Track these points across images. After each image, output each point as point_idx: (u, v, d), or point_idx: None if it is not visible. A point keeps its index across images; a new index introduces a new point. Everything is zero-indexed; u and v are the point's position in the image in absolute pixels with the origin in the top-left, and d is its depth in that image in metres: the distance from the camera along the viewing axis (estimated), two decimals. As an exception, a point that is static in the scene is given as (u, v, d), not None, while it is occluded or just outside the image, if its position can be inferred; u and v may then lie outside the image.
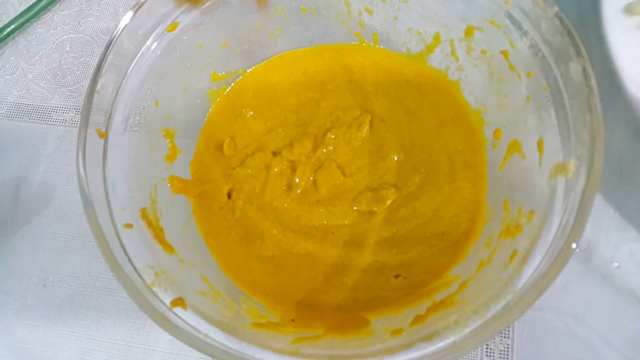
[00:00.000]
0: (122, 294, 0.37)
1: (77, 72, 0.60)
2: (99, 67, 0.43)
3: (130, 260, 0.39)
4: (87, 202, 0.39)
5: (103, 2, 0.62)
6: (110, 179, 0.42)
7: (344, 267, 0.46)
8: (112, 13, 0.61)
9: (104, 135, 0.42)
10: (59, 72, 0.60)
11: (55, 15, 0.63)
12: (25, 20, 0.62)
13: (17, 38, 0.63)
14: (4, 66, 0.61)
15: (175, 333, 0.35)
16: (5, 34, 0.61)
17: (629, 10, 0.49)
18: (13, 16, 0.62)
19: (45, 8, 0.62)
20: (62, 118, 0.58)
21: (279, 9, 0.52)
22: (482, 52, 0.47)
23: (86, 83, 0.58)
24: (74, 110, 0.58)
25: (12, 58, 0.62)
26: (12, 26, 0.61)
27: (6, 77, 0.60)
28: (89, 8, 0.62)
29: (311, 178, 0.49)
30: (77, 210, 0.53)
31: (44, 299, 0.51)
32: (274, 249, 0.48)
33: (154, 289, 0.38)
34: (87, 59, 0.60)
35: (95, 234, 0.38)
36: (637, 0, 0.50)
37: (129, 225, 0.41)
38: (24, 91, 0.59)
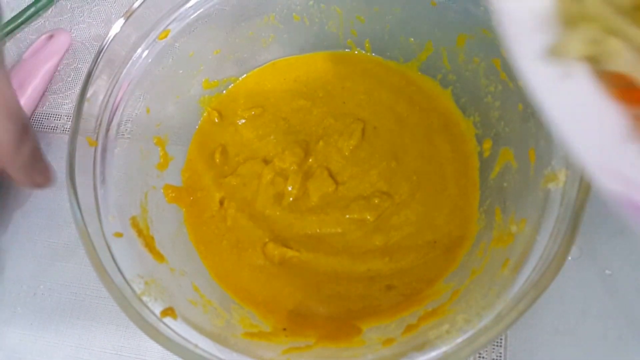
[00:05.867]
0: (112, 303, 0.36)
1: (68, 79, 0.59)
2: (89, 74, 0.42)
3: (119, 270, 0.38)
4: (76, 211, 0.38)
5: (95, 9, 0.61)
6: (100, 187, 0.41)
7: (336, 275, 0.46)
8: (104, 20, 0.61)
9: (94, 143, 0.42)
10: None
11: (47, 22, 0.62)
12: (15, 26, 0.61)
13: (8, 44, 0.62)
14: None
15: (165, 343, 0.35)
16: None
17: (554, 52, 0.34)
18: (4, 22, 0.61)
19: (36, 14, 0.61)
20: (52, 125, 0.58)
21: (271, 17, 0.52)
22: (474, 60, 0.47)
23: (77, 90, 0.57)
24: (65, 117, 0.58)
25: (3, 65, 0.61)
26: (3, 32, 0.61)
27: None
28: (80, 15, 0.62)
29: (303, 186, 0.49)
30: (67, 218, 0.53)
31: (34, 308, 0.50)
32: (265, 257, 0.47)
33: (144, 298, 0.37)
34: (79, 65, 0.60)
35: (84, 243, 0.37)
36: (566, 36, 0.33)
37: (119, 234, 0.40)
38: (14, 98, 0.59)
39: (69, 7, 0.62)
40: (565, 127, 0.32)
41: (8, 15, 0.62)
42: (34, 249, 0.53)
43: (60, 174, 0.55)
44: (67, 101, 0.59)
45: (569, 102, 0.33)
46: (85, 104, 0.42)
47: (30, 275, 0.51)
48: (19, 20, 0.61)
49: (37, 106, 0.58)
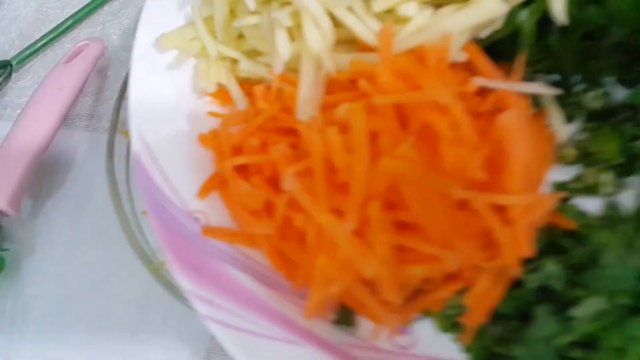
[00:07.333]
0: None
1: (99, 84, 0.67)
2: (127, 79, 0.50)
3: (147, 241, 0.45)
4: (113, 190, 0.46)
5: (125, 22, 0.70)
6: (131, 173, 0.49)
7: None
8: (133, 32, 0.68)
9: (128, 136, 0.49)
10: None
11: (82, 32, 0.71)
12: (53, 36, 0.70)
13: (46, 52, 0.71)
14: (33, 77, 0.68)
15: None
16: (37, 48, 0.69)
17: (160, 43, 0.51)
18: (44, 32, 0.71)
19: (72, 26, 0.70)
20: (84, 124, 0.65)
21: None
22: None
23: (107, 93, 0.66)
24: (96, 118, 0.65)
25: (41, 70, 0.69)
26: (43, 42, 0.70)
27: (35, 86, 0.67)
28: (112, 27, 0.71)
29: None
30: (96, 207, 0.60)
31: (60, 284, 0.57)
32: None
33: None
34: (109, 73, 0.68)
35: (119, 216, 0.45)
36: (177, 30, 0.50)
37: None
38: (51, 99, 0.66)
39: (101, 21, 0.71)
40: (135, 109, 0.47)
41: (47, 27, 0.70)
42: (62, 235, 0.60)
43: (95, 164, 0.61)
44: (98, 103, 0.66)
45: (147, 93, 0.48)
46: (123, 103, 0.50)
47: (59, 258, 0.59)
48: (57, 32, 0.69)
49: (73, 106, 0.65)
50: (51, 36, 0.69)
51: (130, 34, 0.68)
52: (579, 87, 0.47)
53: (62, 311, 0.56)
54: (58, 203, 0.62)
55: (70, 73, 0.64)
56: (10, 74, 0.69)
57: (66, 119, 0.64)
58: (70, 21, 0.69)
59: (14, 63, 0.69)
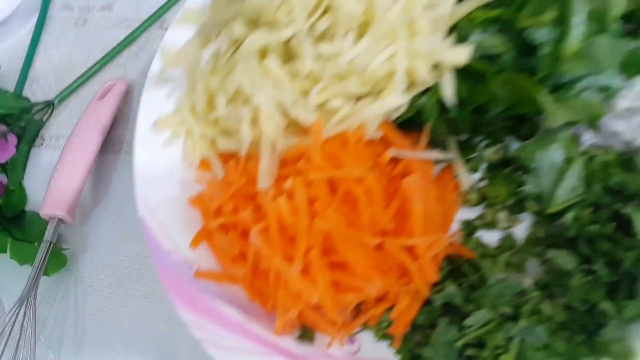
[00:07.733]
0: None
1: (125, 115, 0.82)
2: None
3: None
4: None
5: (142, 64, 0.84)
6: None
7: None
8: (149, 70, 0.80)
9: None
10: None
11: (107, 73, 0.86)
12: (85, 78, 0.86)
13: (80, 91, 0.87)
14: (70, 112, 0.85)
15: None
16: (73, 88, 0.86)
17: (156, 126, 0.65)
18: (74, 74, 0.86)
19: (100, 69, 0.86)
20: (117, 148, 0.80)
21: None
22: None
23: (133, 122, 0.74)
24: (126, 143, 0.80)
25: (76, 106, 0.85)
26: (77, 83, 0.86)
27: (72, 120, 0.83)
28: (132, 69, 0.85)
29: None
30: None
31: (110, 271, 0.73)
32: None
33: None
34: (133, 105, 0.82)
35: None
36: (168, 115, 0.65)
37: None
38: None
39: (122, 62, 0.85)
40: (139, 181, 0.61)
41: (77, 69, 0.86)
42: (108, 235, 0.75)
43: (129, 180, 0.71)
44: (127, 131, 0.81)
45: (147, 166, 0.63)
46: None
47: (107, 253, 0.74)
48: (89, 73, 0.85)
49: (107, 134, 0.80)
50: (83, 78, 0.85)
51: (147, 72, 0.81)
52: (483, 143, 0.61)
53: (114, 293, 0.71)
54: (102, 211, 0.76)
55: (103, 109, 0.79)
56: (52, 111, 0.85)
57: (102, 145, 0.78)
58: (98, 65, 0.85)
59: (55, 102, 0.85)
